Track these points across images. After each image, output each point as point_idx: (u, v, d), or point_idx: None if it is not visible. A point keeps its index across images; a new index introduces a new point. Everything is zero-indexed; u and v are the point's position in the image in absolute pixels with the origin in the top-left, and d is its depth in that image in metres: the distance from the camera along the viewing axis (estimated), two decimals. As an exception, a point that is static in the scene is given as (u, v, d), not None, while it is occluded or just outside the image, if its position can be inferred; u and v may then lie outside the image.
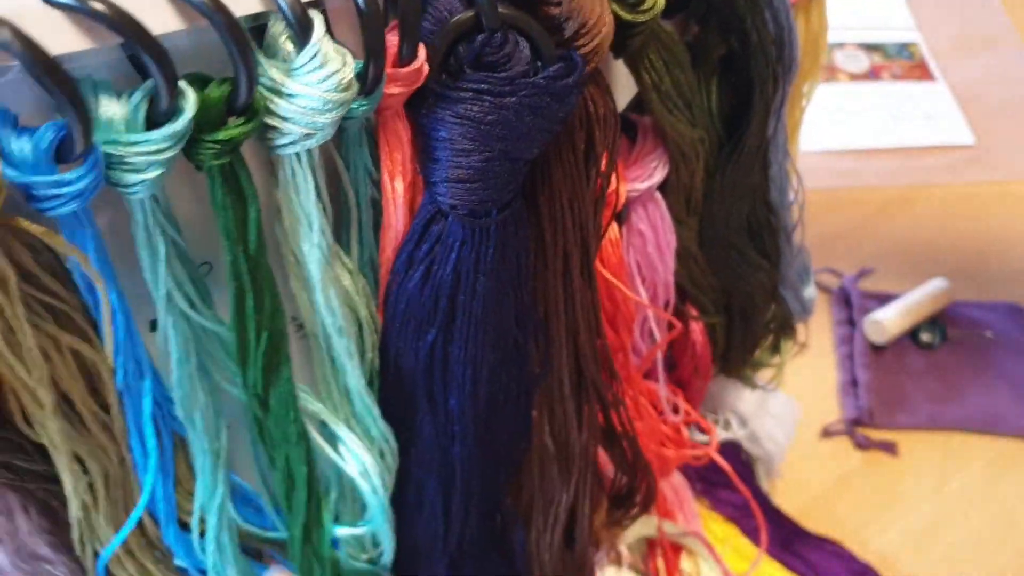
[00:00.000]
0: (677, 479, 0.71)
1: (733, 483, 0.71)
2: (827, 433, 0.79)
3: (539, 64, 0.32)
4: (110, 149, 0.26)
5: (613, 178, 0.40)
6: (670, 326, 0.49)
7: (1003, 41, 1.15)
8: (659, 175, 0.42)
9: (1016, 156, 1.02)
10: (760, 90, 0.43)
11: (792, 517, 0.71)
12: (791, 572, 0.69)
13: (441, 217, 0.33)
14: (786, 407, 0.74)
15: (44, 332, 0.27)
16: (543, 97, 0.31)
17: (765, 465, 0.75)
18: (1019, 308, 0.87)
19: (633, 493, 0.48)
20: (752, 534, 0.70)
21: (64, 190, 0.25)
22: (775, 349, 0.62)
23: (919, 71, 1.10)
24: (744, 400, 0.72)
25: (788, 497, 0.72)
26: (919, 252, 0.92)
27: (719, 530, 0.70)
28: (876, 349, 0.84)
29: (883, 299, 0.86)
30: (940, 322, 0.85)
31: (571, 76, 0.32)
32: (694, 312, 0.50)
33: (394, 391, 0.36)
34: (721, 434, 0.72)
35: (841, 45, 1.12)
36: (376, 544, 0.40)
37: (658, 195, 0.44)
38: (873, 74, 1.09)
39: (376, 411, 0.36)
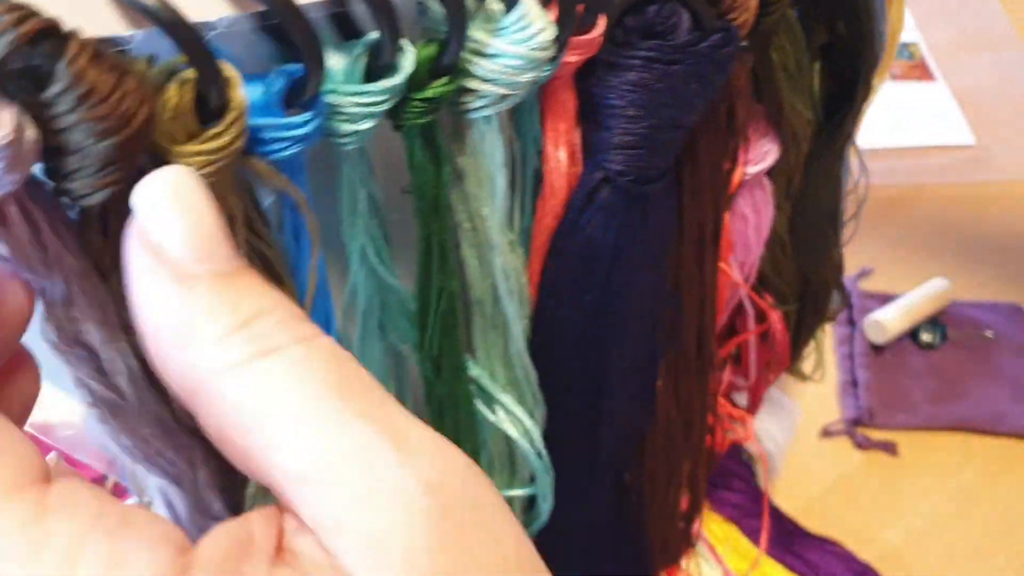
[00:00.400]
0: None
1: (733, 484, 0.71)
2: (827, 433, 0.80)
3: (698, 34, 0.33)
4: (330, 98, 0.27)
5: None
6: (759, 318, 0.51)
7: (1003, 41, 1.16)
8: (771, 159, 0.44)
9: (1016, 156, 1.03)
10: (864, 75, 0.45)
11: (792, 517, 0.72)
12: (791, 572, 0.69)
13: (606, 184, 0.34)
14: (786, 407, 0.74)
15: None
16: (706, 65, 0.33)
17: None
18: (1019, 308, 0.88)
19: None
20: (752, 534, 0.71)
21: (290, 133, 0.26)
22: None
23: (919, 71, 1.11)
24: (744, 400, 0.72)
25: (788, 497, 0.73)
26: (919, 252, 0.93)
27: (719, 530, 0.71)
28: (876, 349, 0.85)
29: (883, 299, 0.87)
30: (940, 322, 0.86)
31: (730, 45, 0.34)
32: (771, 300, 0.52)
33: (544, 358, 0.37)
34: (722, 434, 0.73)
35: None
36: (526, 511, 0.41)
37: (766, 180, 0.46)
38: (873, 74, 1.10)
39: (534, 376, 0.37)
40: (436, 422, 0.36)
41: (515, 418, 0.36)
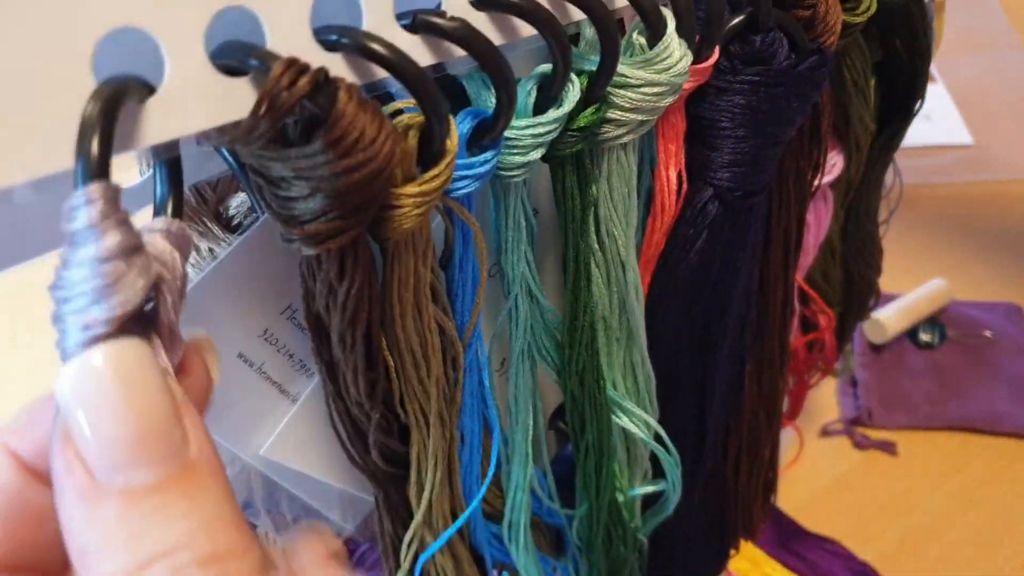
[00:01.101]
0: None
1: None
2: (826, 433, 0.80)
3: (794, 58, 0.37)
4: (508, 133, 0.29)
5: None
6: (804, 326, 0.55)
7: (1002, 41, 1.17)
8: (837, 171, 0.48)
9: (1015, 156, 1.04)
10: (920, 87, 0.49)
11: (791, 516, 0.72)
12: (790, 571, 0.69)
13: (716, 200, 0.37)
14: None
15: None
16: (805, 85, 0.37)
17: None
18: (1018, 308, 0.89)
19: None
20: (751, 533, 0.71)
21: (473, 171, 0.28)
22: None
23: (918, 71, 1.11)
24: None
25: (787, 496, 0.73)
26: (918, 252, 0.94)
27: (718, 529, 0.71)
28: (875, 349, 0.85)
29: (882, 299, 0.87)
30: (939, 322, 0.87)
31: (825, 66, 0.37)
32: (821, 305, 0.56)
33: (655, 367, 0.40)
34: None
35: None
36: (644, 509, 0.44)
37: (829, 190, 0.49)
38: (872, 74, 1.11)
39: (653, 383, 0.40)
40: (578, 435, 0.39)
41: (639, 420, 0.39)
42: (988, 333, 0.87)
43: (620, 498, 0.41)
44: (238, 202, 0.36)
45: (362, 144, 0.21)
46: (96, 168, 0.18)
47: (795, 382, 0.59)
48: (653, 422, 0.40)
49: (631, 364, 0.39)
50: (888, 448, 0.79)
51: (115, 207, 0.18)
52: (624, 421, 0.39)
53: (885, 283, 0.90)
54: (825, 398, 0.83)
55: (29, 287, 0.42)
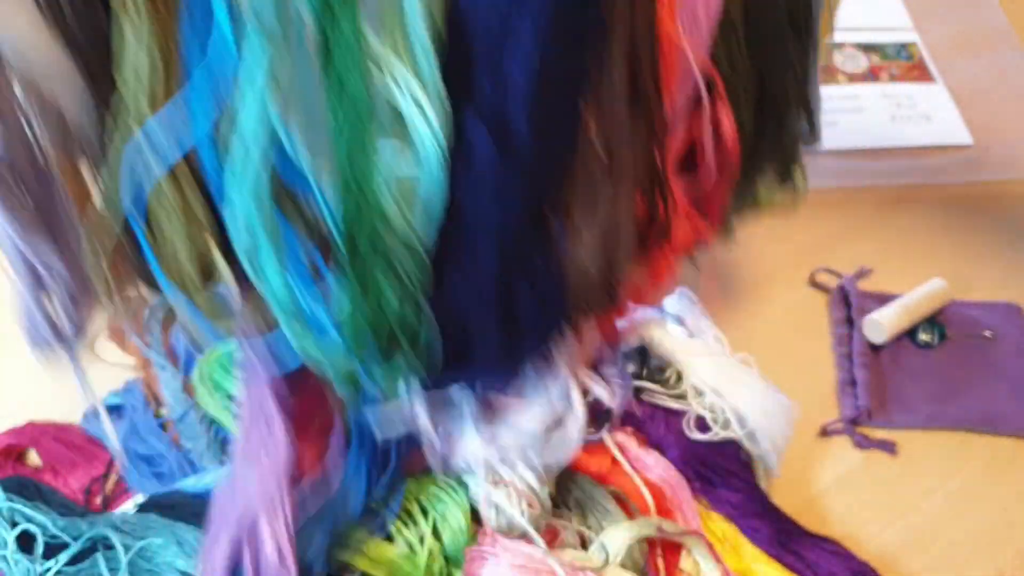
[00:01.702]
0: (675, 478, 0.72)
1: (731, 482, 0.71)
2: (825, 433, 0.80)
3: None
4: None
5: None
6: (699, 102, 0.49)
7: (1002, 41, 1.16)
8: None
9: (1015, 156, 1.03)
10: None
11: (791, 516, 0.72)
12: (790, 571, 0.69)
13: None
14: (783, 405, 0.74)
15: None
16: None
17: (763, 464, 0.75)
18: (1018, 308, 0.88)
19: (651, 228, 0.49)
20: (751, 533, 0.71)
21: None
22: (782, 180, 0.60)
23: (918, 72, 1.11)
24: (743, 399, 0.73)
25: (787, 496, 0.73)
26: (918, 252, 0.93)
27: (718, 529, 0.71)
28: (875, 349, 0.85)
29: (882, 299, 0.87)
30: (939, 322, 0.86)
31: None
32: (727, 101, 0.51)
33: (451, 61, 0.37)
34: (720, 432, 0.73)
35: (840, 46, 1.13)
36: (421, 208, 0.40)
37: None
38: (871, 75, 1.10)
39: (438, 72, 0.36)
40: (336, 98, 0.35)
41: (412, 97, 0.35)
42: (988, 333, 0.87)
43: (374, 175, 0.36)
44: None
45: None
46: None
47: (711, 176, 0.54)
48: (425, 101, 0.35)
49: (404, 24, 0.35)
50: (888, 448, 0.79)
51: None
52: (388, 83, 0.35)
53: (884, 283, 0.89)
54: (825, 398, 0.83)
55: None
